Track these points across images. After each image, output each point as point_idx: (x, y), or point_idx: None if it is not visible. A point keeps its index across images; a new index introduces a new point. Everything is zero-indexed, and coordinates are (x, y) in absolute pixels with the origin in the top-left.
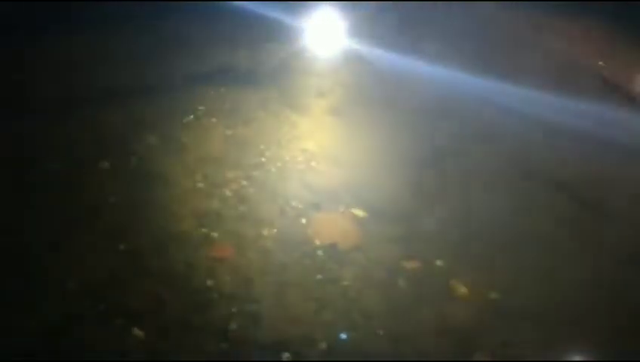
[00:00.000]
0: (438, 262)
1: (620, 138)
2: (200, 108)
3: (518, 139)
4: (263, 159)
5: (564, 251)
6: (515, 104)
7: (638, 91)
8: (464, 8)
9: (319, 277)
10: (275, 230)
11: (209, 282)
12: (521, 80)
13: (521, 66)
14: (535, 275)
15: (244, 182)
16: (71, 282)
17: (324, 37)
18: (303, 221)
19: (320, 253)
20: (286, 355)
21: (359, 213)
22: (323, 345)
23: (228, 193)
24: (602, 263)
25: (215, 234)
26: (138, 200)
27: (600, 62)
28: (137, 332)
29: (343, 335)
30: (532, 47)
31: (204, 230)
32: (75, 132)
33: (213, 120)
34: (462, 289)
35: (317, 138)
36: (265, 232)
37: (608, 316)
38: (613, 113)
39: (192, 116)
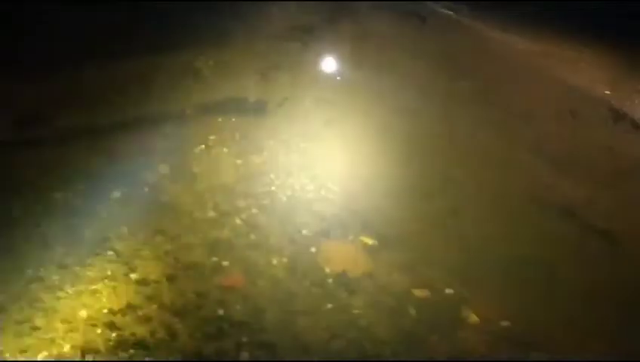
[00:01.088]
0: (448, 291)
1: (627, 165)
2: (211, 137)
3: (525, 167)
4: (274, 188)
5: (575, 278)
6: (522, 132)
7: None
8: (469, 38)
9: (329, 305)
10: (285, 259)
11: (220, 311)
12: (527, 108)
13: (528, 94)
14: (546, 303)
15: (255, 211)
16: (82, 312)
17: (332, 65)
18: (313, 249)
19: (330, 281)
20: None
21: (369, 240)
22: None
23: (238, 222)
24: (613, 291)
25: (226, 263)
26: (149, 229)
27: (606, 91)
28: None
29: None
30: (538, 75)
31: (214, 259)
32: (87, 161)
33: (224, 149)
34: (473, 318)
35: (326, 166)
36: (275, 261)
37: (622, 344)
38: (620, 141)
39: (203, 146)
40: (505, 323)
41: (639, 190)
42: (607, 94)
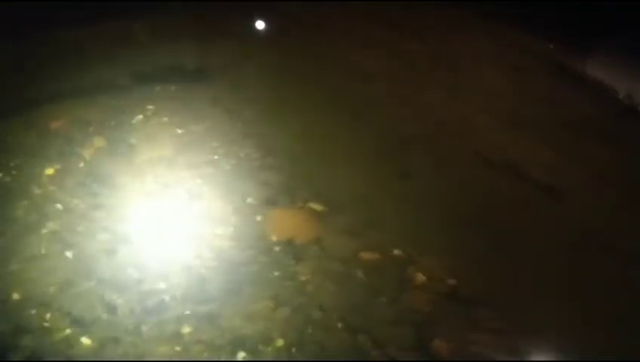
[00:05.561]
0: (396, 252)
1: (568, 119)
2: (149, 107)
3: (471, 125)
4: (217, 157)
5: (521, 235)
6: (467, 90)
7: (587, 72)
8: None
9: (276, 273)
10: (231, 228)
11: (161, 285)
12: (472, 66)
13: (474, 53)
14: (492, 260)
15: (198, 181)
16: (16, 294)
17: (273, 31)
18: (259, 218)
19: (277, 249)
20: (242, 354)
21: (317, 207)
22: (280, 342)
23: (181, 192)
24: (557, 246)
25: (168, 236)
26: (86, 205)
27: (550, 45)
28: (86, 340)
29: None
30: (484, 34)
31: (156, 231)
32: (18, 137)
33: (164, 119)
34: (420, 277)
35: (273, 133)
36: (220, 231)
37: (565, 300)
38: (562, 94)
39: (141, 116)
40: (451, 282)
41: (580, 143)
42: (550, 49)
